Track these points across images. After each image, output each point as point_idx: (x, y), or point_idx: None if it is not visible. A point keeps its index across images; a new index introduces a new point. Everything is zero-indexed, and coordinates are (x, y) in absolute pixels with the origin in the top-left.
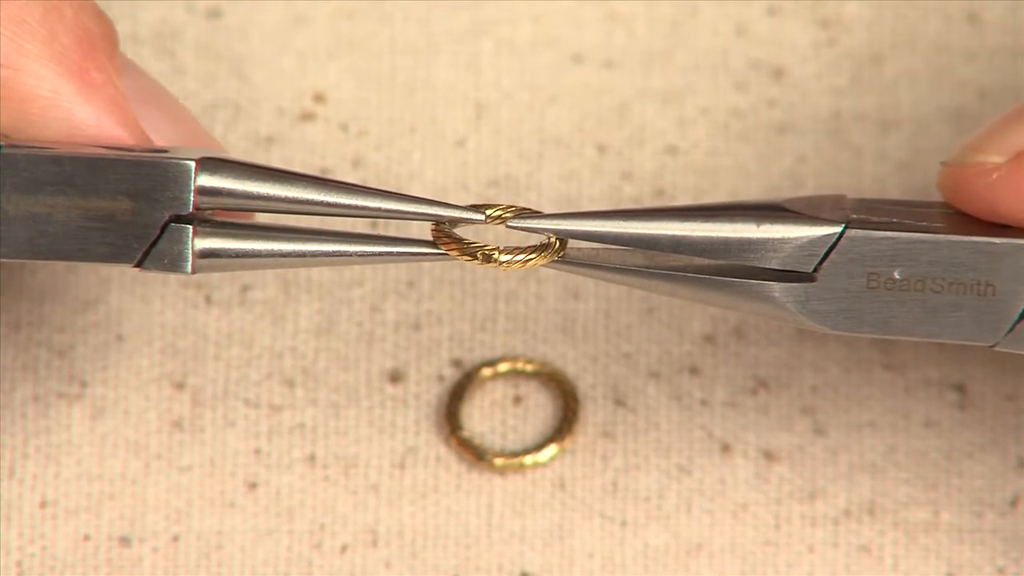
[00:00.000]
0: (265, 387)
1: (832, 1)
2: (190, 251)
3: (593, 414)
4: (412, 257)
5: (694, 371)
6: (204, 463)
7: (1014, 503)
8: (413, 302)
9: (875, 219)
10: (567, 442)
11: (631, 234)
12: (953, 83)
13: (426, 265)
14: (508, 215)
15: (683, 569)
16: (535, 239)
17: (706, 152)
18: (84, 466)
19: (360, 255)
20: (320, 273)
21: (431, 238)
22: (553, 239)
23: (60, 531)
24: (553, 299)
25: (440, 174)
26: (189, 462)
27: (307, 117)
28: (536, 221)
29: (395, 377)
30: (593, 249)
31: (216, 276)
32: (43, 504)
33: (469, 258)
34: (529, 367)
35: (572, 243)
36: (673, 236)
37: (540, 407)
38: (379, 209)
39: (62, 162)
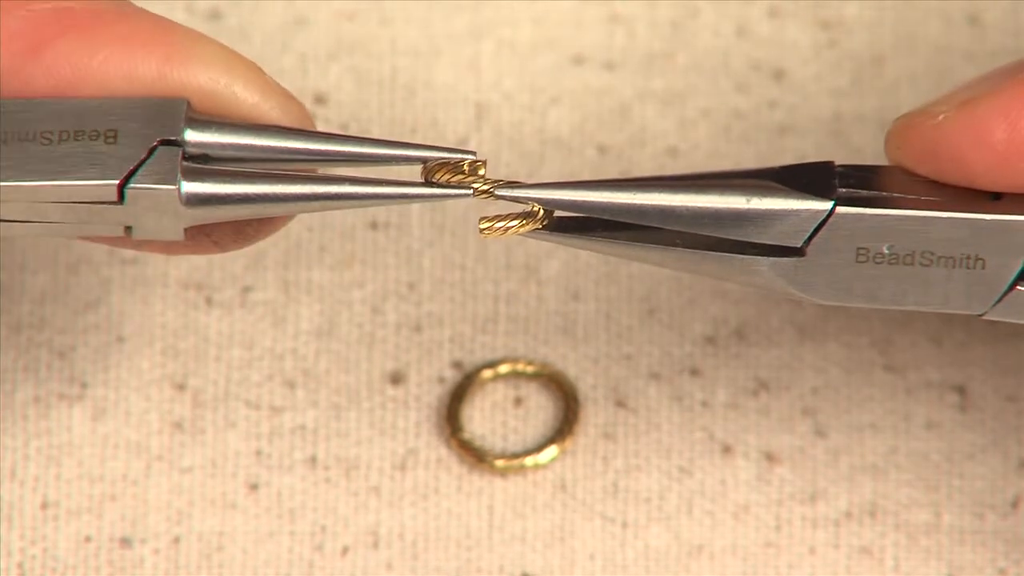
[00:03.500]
0: (266, 388)
1: (833, 2)
2: (179, 169)
3: (594, 415)
4: (405, 198)
5: (695, 372)
6: (205, 464)
7: (1015, 504)
8: (414, 304)
9: (864, 193)
10: (568, 443)
11: (618, 204)
12: (954, 84)
13: (426, 266)
14: (494, 187)
15: (684, 570)
16: (518, 209)
17: (707, 153)
18: (85, 467)
19: (351, 196)
20: (320, 275)
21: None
22: (538, 208)
23: (61, 532)
24: (554, 300)
25: None
26: (190, 463)
27: None
28: (522, 190)
29: (396, 379)
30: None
31: (217, 276)
32: (44, 505)
33: (463, 191)
34: (530, 368)
35: (558, 214)
36: (661, 207)
37: (541, 408)
38: (369, 155)
39: (52, 105)
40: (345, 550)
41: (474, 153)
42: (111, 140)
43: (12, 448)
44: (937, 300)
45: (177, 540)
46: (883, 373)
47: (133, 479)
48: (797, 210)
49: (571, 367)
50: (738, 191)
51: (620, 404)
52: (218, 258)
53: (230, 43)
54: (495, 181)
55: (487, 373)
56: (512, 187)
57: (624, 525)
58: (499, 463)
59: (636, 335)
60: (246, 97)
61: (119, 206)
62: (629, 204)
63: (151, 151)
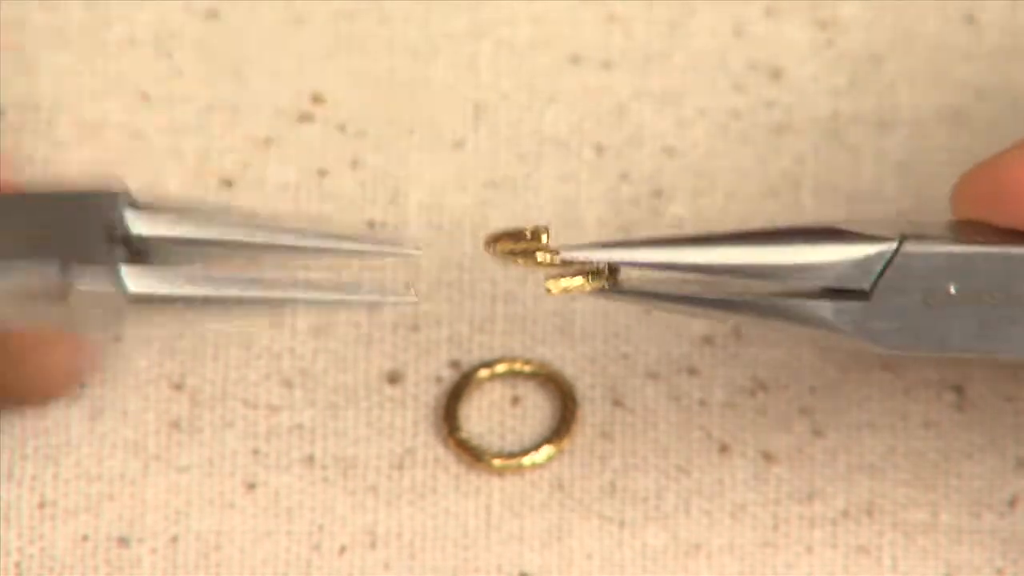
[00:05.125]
0: (263, 388)
1: (830, 2)
2: (121, 262)
3: (591, 415)
4: (349, 304)
5: (692, 372)
6: (203, 463)
7: (1012, 504)
8: (411, 303)
9: (928, 234)
10: (565, 443)
11: (685, 263)
12: (951, 84)
13: (424, 266)
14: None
15: (681, 570)
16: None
17: (704, 153)
18: (83, 467)
19: (298, 301)
20: (319, 274)
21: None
22: (603, 266)
23: (59, 532)
24: (551, 300)
25: (438, 175)
26: (188, 462)
27: (305, 118)
28: (588, 251)
29: (393, 378)
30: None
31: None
32: (42, 505)
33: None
34: (527, 368)
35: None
36: (727, 264)
37: (538, 408)
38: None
39: None
40: (343, 549)
41: (418, 250)
42: (49, 228)
43: (10, 447)
44: (1005, 345)
45: (175, 539)
46: (880, 372)
47: (131, 478)
48: (863, 252)
49: (568, 367)
50: (802, 239)
51: (617, 403)
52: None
53: (227, 43)
54: (554, 251)
55: (484, 373)
56: (578, 249)
57: (622, 524)
58: (496, 462)
59: (633, 335)
60: None
61: (60, 301)
62: (697, 263)
63: (91, 240)
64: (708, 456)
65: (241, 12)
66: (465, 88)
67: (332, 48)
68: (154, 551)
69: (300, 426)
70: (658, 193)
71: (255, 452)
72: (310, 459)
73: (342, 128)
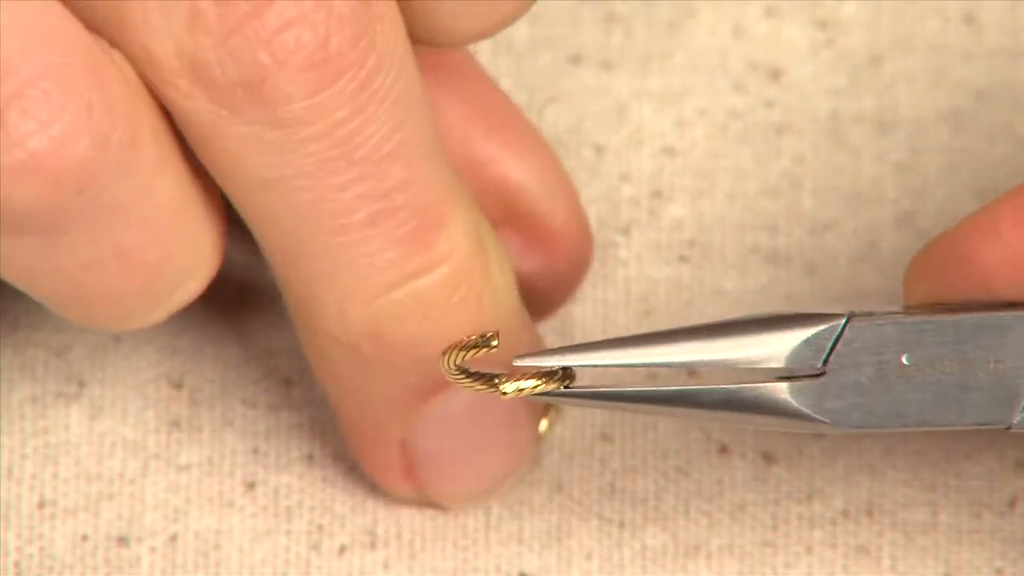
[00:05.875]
0: (263, 387)
1: (830, 2)
2: None
3: (591, 416)
4: None
5: (692, 372)
6: (202, 462)
7: (1012, 504)
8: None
9: (878, 309)
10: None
11: (638, 363)
12: (951, 84)
13: None
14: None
15: (681, 570)
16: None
17: (704, 153)
18: (82, 466)
19: None
20: None
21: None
22: (557, 368)
23: (58, 531)
24: None
25: None
26: (187, 461)
27: None
28: (539, 359)
29: None
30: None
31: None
32: (41, 504)
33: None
34: None
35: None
36: (679, 362)
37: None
38: None
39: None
40: (342, 549)
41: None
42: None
43: (9, 447)
44: (962, 413)
45: (174, 538)
46: None
47: (130, 477)
48: (812, 330)
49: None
50: (753, 329)
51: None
52: None
53: None
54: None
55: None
56: (530, 356)
57: (621, 525)
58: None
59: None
60: None
61: None
62: (649, 363)
63: None
64: (707, 457)
65: None
66: None
67: None
68: (153, 550)
69: (299, 425)
70: (658, 193)
71: (255, 451)
72: (310, 458)
73: None
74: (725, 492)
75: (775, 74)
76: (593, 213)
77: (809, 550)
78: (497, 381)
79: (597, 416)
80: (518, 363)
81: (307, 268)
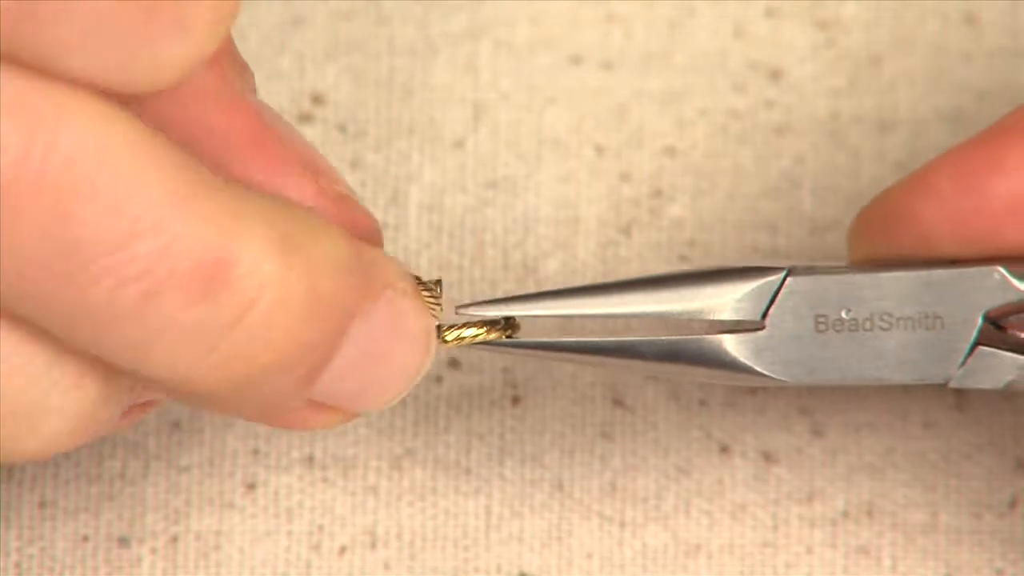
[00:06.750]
0: None
1: (830, 2)
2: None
3: (591, 414)
4: None
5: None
6: (203, 463)
7: (1012, 504)
8: None
9: (821, 265)
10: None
11: (581, 314)
12: (951, 84)
13: (424, 266)
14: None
15: (681, 570)
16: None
17: (704, 153)
18: (83, 467)
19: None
20: None
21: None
22: (500, 318)
23: (59, 532)
24: None
25: (438, 175)
26: (188, 462)
27: (305, 118)
28: (483, 308)
29: None
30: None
31: None
32: (42, 505)
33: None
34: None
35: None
36: (623, 313)
37: (537, 407)
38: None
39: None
40: (343, 550)
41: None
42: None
43: None
44: (900, 370)
45: (175, 539)
46: None
47: (131, 478)
48: (752, 284)
49: (568, 364)
50: (693, 283)
51: (618, 403)
52: None
53: None
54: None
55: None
56: (474, 305)
57: (622, 524)
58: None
59: (632, 334)
60: None
61: None
62: (592, 314)
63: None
64: (708, 456)
65: (241, 12)
66: (465, 88)
67: (332, 48)
68: (154, 551)
69: None
70: (658, 193)
71: (255, 452)
72: (310, 459)
73: (342, 128)
74: (726, 492)
75: (775, 74)
76: (594, 213)
77: (809, 550)
78: (440, 328)
79: (598, 415)
80: (461, 311)
81: (130, 358)
